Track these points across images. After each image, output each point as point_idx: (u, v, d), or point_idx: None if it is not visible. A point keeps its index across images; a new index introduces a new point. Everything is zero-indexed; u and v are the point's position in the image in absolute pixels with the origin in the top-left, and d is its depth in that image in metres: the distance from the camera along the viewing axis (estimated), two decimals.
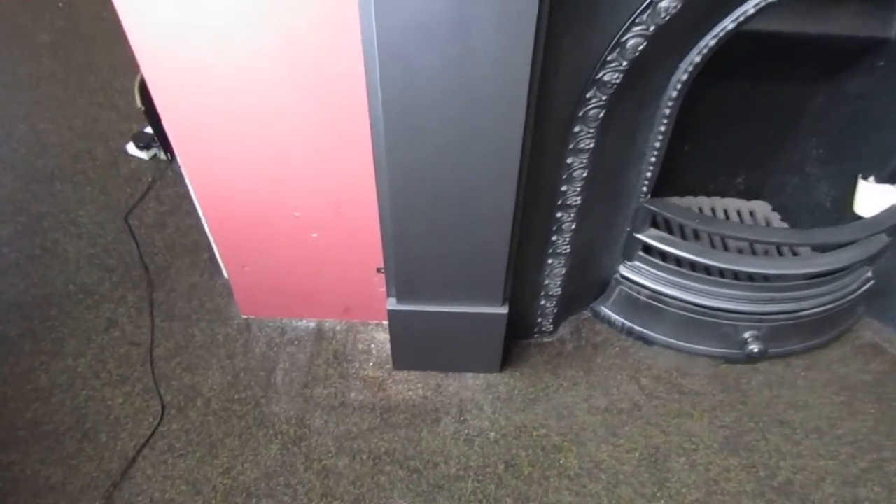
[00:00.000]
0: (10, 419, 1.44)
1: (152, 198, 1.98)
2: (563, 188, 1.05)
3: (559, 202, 1.08)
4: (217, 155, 1.22)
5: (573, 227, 1.14)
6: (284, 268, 1.47)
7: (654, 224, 1.28)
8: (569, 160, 0.99)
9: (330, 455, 1.40)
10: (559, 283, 1.31)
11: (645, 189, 1.15)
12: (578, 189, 1.06)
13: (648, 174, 1.13)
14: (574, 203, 1.09)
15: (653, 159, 1.08)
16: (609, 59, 0.80)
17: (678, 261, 1.29)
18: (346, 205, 1.22)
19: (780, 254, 1.53)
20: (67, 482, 1.35)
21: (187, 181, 1.31)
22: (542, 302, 1.51)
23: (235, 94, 1.00)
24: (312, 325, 1.64)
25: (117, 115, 2.29)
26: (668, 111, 0.95)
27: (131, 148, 2.11)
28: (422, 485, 1.32)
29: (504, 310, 1.35)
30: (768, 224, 1.50)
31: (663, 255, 1.29)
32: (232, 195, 1.30)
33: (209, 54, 0.94)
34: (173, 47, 0.95)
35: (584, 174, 1.02)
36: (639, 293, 1.53)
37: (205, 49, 0.94)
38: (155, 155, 2.07)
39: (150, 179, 2.03)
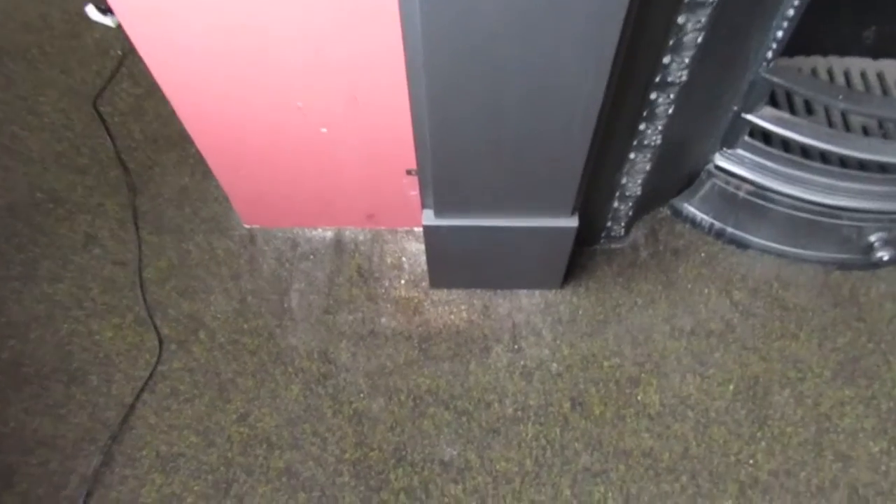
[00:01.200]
0: None
1: (124, 77, 1.62)
2: (667, 59, 0.84)
3: (657, 79, 0.87)
4: (180, 26, 0.85)
5: (670, 111, 0.93)
6: (290, 170, 1.16)
7: (773, 102, 1.06)
8: (680, 19, 0.78)
9: (361, 396, 1.20)
10: (640, 181, 1.11)
11: (770, 54, 0.92)
12: (687, 60, 0.84)
13: (780, 33, 0.89)
14: (677, 80, 0.88)
15: (790, 11, 0.85)
16: None
17: (786, 147, 1.08)
18: (363, 92, 0.96)
19: None
20: (58, 435, 1.15)
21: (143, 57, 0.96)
22: (616, 204, 1.21)
23: None
24: (330, 234, 1.35)
25: None
26: None
27: (92, 12, 1.71)
28: (472, 429, 1.16)
29: (573, 222, 1.07)
30: None
31: (770, 141, 1.09)
32: (208, 79, 0.97)
33: None
34: None
35: (699, 38, 0.81)
36: (737, 188, 1.22)
37: None
38: None
39: (119, 53, 1.65)
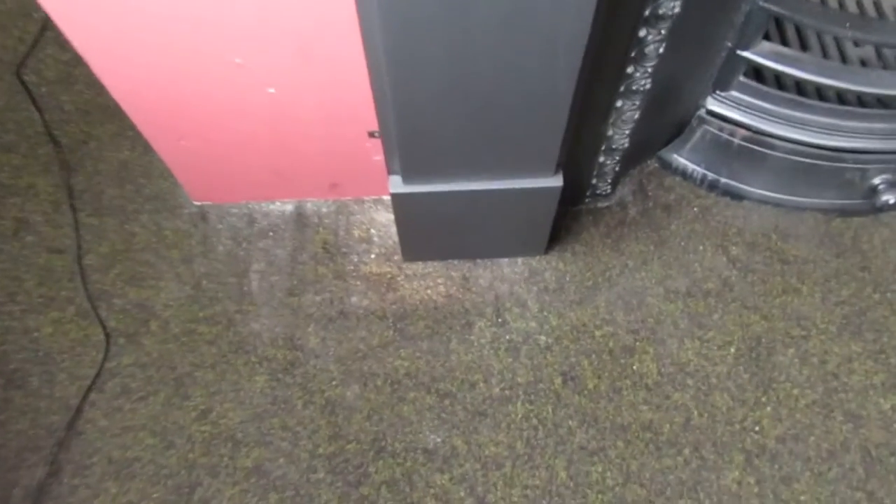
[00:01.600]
0: None
1: (50, 41, 1.45)
2: None
3: (647, 13, 0.78)
4: None
5: (660, 50, 0.83)
6: (237, 137, 1.03)
7: (766, 35, 0.94)
8: None
9: (334, 384, 1.10)
10: (627, 132, 1.01)
11: None
12: None
13: None
14: (669, 12, 0.78)
15: None
16: None
17: (780, 86, 0.99)
18: (314, 45, 0.84)
19: None
20: None
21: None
22: (602, 159, 1.10)
23: None
24: (289, 208, 1.22)
25: None
26: None
27: None
28: (457, 413, 1.07)
29: (557, 181, 0.96)
30: None
31: (764, 81, 1.01)
32: (129, 35, 0.84)
33: None
34: None
35: None
36: (732, 135, 1.12)
37: None
38: None
39: (42, 15, 1.48)
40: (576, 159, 1.03)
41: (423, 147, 0.85)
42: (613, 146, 1.08)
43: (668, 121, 1.09)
